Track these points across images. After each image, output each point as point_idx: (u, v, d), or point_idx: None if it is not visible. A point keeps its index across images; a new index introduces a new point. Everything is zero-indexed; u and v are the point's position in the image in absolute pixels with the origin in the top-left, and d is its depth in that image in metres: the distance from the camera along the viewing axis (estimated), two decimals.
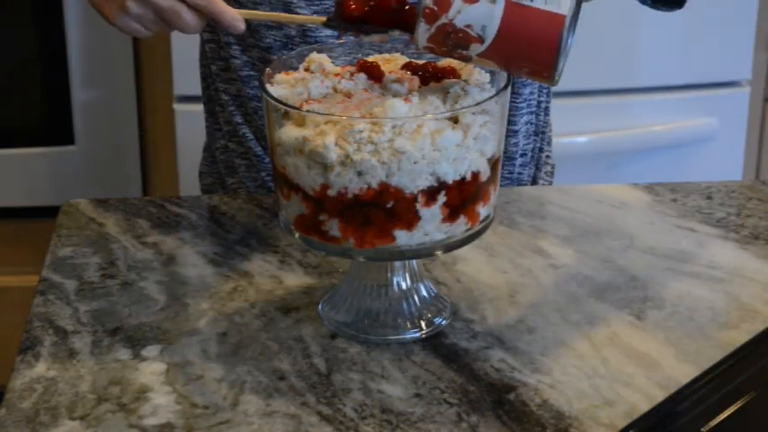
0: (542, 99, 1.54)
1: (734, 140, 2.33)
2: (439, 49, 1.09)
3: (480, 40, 1.07)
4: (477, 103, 1.09)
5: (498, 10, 1.06)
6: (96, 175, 2.39)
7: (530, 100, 1.52)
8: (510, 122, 1.50)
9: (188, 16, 1.20)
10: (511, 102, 1.48)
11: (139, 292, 1.24)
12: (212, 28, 1.50)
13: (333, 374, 1.12)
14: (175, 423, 1.06)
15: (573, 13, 1.07)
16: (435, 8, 1.06)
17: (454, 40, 1.07)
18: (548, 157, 1.59)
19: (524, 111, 1.51)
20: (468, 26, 1.06)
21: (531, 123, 1.54)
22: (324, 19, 1.16)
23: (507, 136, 1.50)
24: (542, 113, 1.55)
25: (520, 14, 1.06)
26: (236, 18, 1.20)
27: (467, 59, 1.09)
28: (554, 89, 1.55)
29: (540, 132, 1.56)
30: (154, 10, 1.21)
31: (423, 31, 1.08)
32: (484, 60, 1.09)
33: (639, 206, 1.41)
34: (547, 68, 1.08)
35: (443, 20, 1.07)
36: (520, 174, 1.54)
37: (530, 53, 1.07)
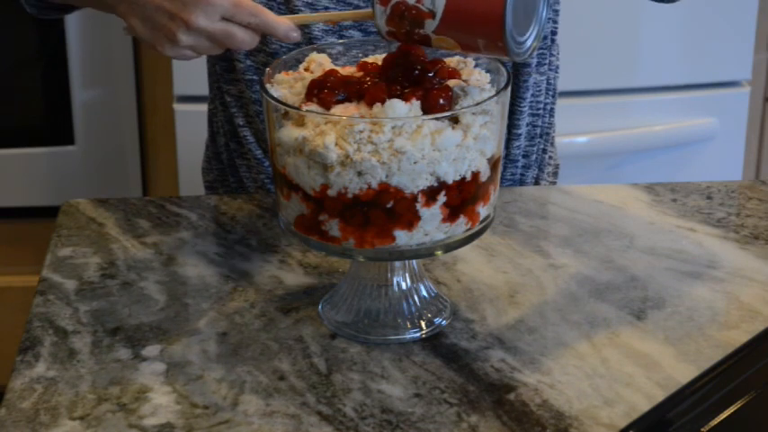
0: (547, 101, 1.54)
1: (734, 140, 2.32)
2: (399, 32, 1.10)
3: (431, 14, 1.08)
4: (477, 103, 1.09)
5: None
6: (96, 175, 2.39)
7: (533, 103, 1.51)
8: (512, 125, 1.50)
9: (242, 34, 1.18)
10: (513, 105, 1.48)
11: (139, 292, 1.25)
12: None
13: (333, 374, 1.12)
14: (175, 423, 1.06)
15: None
16: None
17: (409, 19, 1.09)
18: (550, 157, 1.59)
19: (526, 113, 1.51)
20: (418, 1, 1.08)
21: (536, 126, 1.53)
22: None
23: (510, 139, 1.50)
24: (547, 115, 1.55)
25: None
26: (290, 28, 1.18)
27: (426, 41, 1.10)
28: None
29: (545, 134, 1.56)
30: (207, 37, 1.19)
31: (380, 14, 1.10)
32: (442, 39, 1.09)
33: (639, 206, 1.41)
34: (498, 38, 1.07)
35: None
36: (522, 175, 1.54)
37: (478, 23, 1.07)
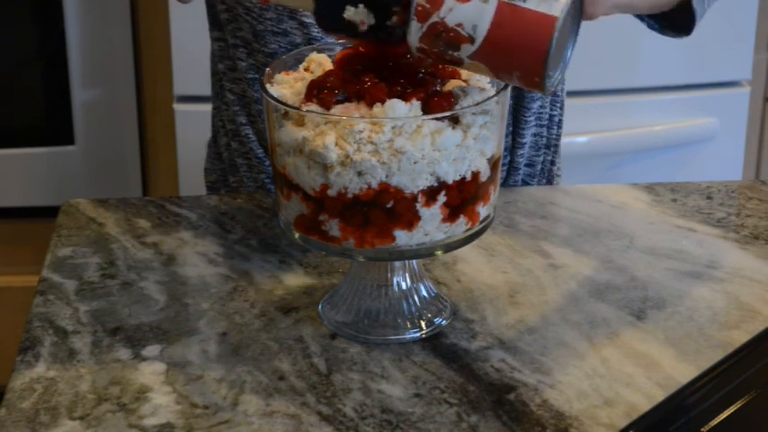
0: (555, 113, 1.53)
1: (734, 140, 2.33)
2: (431, 50, 1.07)
3: (471, 40, 1.06)
4: (477, 103, 1.09)
5: (490, 9, 1.05)
6: (96, 175, 2.39)
7: (539, 113, 1.51)
8: (517, 134, 1.49)
9: None
10: (518, 115, 1.48)
11: (139, 292, 1.25)
12: (221, 27, 1.50)
13: (333, 374, 1.12)
14: (175, 423, 1.06)
15: (568, 16, 1.06)
16: (428, 6, 1.05)
17: (445, 40, 1.06)
18: (559, 168, 1.59)
19: (532, 124, 1.50)
20: (458, 25, 1.05)
21: (542, 136, 1.53)
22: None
23: (514, 147, 1.50)
24: (554, 127, 1.54)
25: (511, 14, 1.05)
26: None
27: (458, 63, 1.08)
28: None
29: (552, 145, 1.55)
30: None
31: (415, 30, 1.07)
32: (476, 64, 1.08)
33: (639, 206, 1.41)
34: (536, 73, 1.06)
35: (435, 18, 1.05)
36: (527, 183, 1.53)
37: (519, 55, 1.06)
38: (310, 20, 1.40)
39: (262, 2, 1.17)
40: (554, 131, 1.54)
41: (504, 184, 1.51)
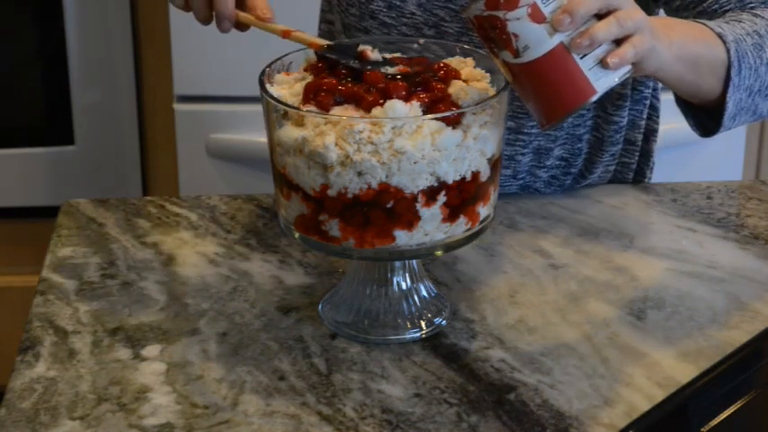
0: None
1: (734, 140, 2.32)
2: (478, 30, 1.08)
3: (516, 53, 1.06)
4: (478, 103, 1.09)
5: (550, 44, 1.05)
6: (96, 175, 2.39)
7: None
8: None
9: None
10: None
11: (139, 292, 1.24)
12: (331, 9, 1.50)
13: (333, 374, 1.12)
14: (175, 423, 1.06)
15: (605, 92, 1.06)
16: (502, 1, 1.05)
17: (495, 36, 1.06)
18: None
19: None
20: (515, 35, 1.05)
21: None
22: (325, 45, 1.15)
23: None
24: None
25: (563, 62, 1.05)
26: (230, 17, 1.19)
27: (493, 55, 1.08)
28: None
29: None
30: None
31: (476, 8, 1.06)
32: (506, 70, 1.08)
33: (639, 206, 1.41)
34: (547, 121, 1.08)
35: (500, 14, 1.05)
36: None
37: (543, 98, 1.07)
38: (392, 21, 1.40)
39: (283, 35, 1.17)
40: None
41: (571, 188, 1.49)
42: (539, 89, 1.07)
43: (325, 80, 1.11)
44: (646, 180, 1.52)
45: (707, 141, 2.28)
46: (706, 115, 1.29)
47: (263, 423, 1.06)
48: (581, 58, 1.05)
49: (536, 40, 1.05)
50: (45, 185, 2.40)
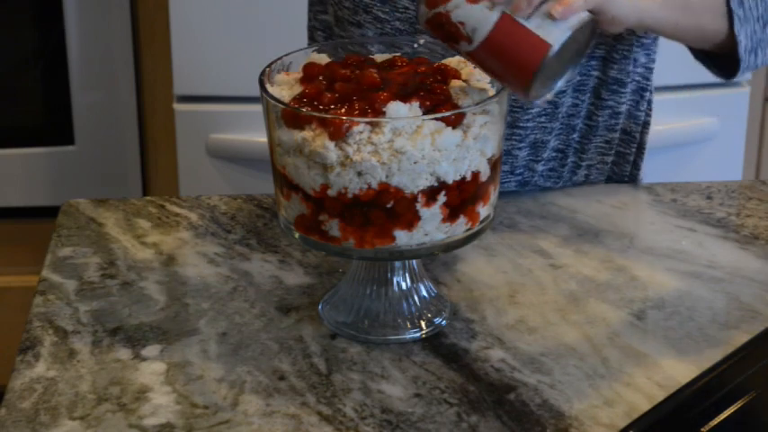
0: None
1: (734, 140, 2.32)
2: (434, 33, 1.11)
3: (469, 40, 1.08)
4: (477, 103, 1.09)
5: (492, 18, 1.07)
6: (96, 175, 2.39)
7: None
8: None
9: None
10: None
11: (139, 292, 1.24)
12: (311, 6, 1.50)
13: (333, 374, 1.12)
14: (175, 423, 1.06)
15: (568, 44, 1.07)
16: None
17: (446, 32, 1.09)
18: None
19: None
20: (461, 23, 1.08)
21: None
22: None
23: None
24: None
25: (511, 29, 1.07)
26: None
27: (458, 52, 1.11)
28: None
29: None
30: None
31: (422, 14, 1.10)
32: (470, 59, 1.11)
33: (639, 206, 1.41)
34: (521, 90, 1.09)
35: (441, 9, 1.09)
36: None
37: (508, 69, 1.09)
38: (386, 15, 1.40)
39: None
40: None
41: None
42: (502, 64, 1.09)
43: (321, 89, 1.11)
44: (640, 173, 1.52)
45: (707, 141, 2.29)
46: (730, 61, 1.28)
47: (263, 423, 1.06)
48: (527, 20, 1.07)
49: (480, 20, 1.08)
50: (45, 185, 2.40)
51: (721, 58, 1.30)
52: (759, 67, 1.27)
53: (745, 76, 2.31)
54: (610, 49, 1.43)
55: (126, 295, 1.24)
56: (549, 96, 1.13)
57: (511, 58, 1.08)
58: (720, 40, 1.24)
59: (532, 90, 1.08)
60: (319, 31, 1.48)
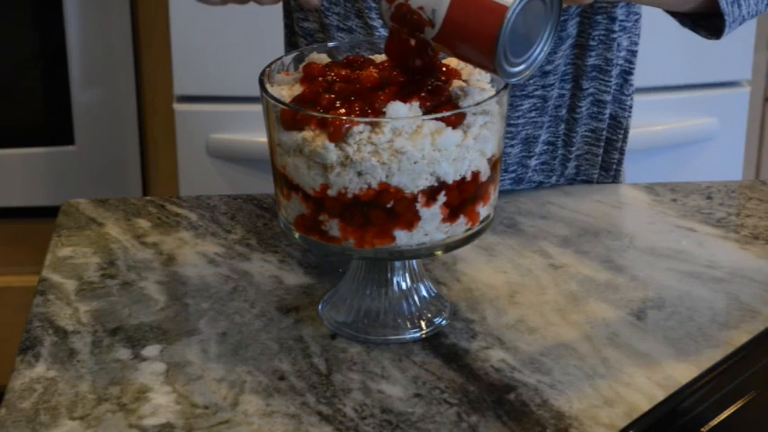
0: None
1: (734, 140, 2.32)
2: (402, 27, 1.10)
3: (431, 23, 1.08)
4: (477, 103, 1.09)
5: None
6: (96, 175, 2.39)
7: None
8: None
9: None
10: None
11: (139, 292, 1.25)
12: (289, 14, 1.49)
13: (333, 374, 1.12)
14: (175, 423, 1.06)
15: (528, 8, 1.06)
16: None
17: (410, 22, 1.09)
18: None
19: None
20: (420, 8, 1.08)
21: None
22: None
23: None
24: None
25: (467, 2, 1.06)
26: None
27: (427, 44, 1.10)
28: None
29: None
30: None
31: (385, 10, 1.10)
32: (440, 46, 1.10)
33: (639, 206, 1.41)
34: (488, 61, 1.07)
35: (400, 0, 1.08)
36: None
37: (472, 41, 1.07)
38: (376, 22, 1.40)
39: None
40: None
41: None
42: (466, 40, 1.08)
43: (323, 80, 1.11)
44: (624, 157, 1.53)
45: (707, 141, 2.29)
46: (716, 21, 1.27)
47: (263, 423, 1.06)
48: None
49: (437, 0, 1.07)
50: (45, 185, 2.40)
51: (707, 20, 1.29)
52: (746, 19, 1.26)
53: (744, 76, 2.31)
54: (587, 36, 1.43)
55: (126, 295, 1.24)
56: (528, 72, 1.10)
57: (472, 32, 1.06)
58: (703, 2, 1.24)
59: (502, 63, 1.06)
60: (302, 38, 1.47)
